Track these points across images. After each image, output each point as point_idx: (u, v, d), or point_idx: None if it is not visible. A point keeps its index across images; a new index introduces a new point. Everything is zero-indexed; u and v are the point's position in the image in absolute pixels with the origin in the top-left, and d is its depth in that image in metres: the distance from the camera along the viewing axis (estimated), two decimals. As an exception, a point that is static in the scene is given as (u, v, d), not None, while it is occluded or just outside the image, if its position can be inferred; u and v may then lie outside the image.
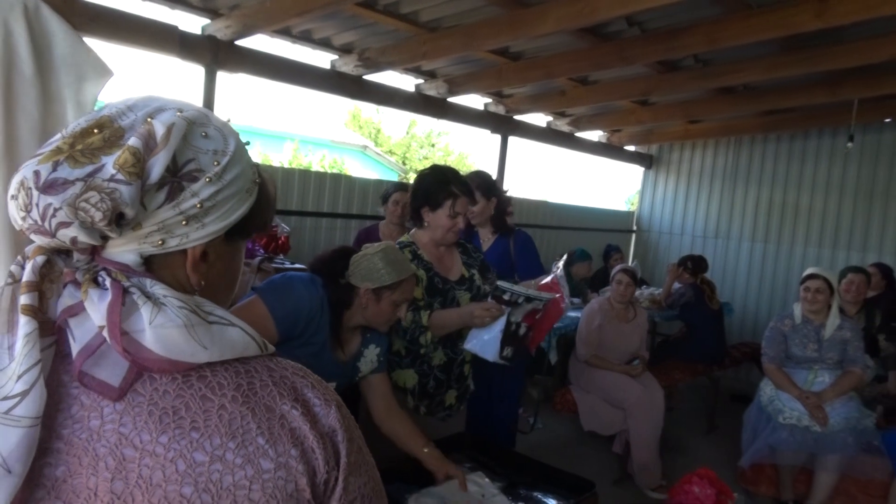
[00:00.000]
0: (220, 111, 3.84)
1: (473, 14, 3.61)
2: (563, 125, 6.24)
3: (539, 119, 6.16)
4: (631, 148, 7.43)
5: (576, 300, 5.36)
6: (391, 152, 19.57)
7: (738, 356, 5.64)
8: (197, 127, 0.71)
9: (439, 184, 2.43)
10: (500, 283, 2.36)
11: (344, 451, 0.71)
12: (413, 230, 2.55)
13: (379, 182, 5.00)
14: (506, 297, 2.31)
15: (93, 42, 2.82)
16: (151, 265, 0.71)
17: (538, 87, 5.19)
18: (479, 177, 3.22)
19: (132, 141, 0.66)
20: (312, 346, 2.00)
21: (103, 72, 2.66)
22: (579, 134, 6.55)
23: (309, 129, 16.05)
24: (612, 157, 7.32)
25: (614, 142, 7.10)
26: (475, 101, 5.49)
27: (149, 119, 0.68)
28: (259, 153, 12.81)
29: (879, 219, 6.14)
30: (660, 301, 5.35)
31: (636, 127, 6.67)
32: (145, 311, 0.66)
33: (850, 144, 5.06)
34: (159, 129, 0.67)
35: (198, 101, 3.68)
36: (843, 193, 6.34)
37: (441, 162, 19.84)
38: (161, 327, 0.65)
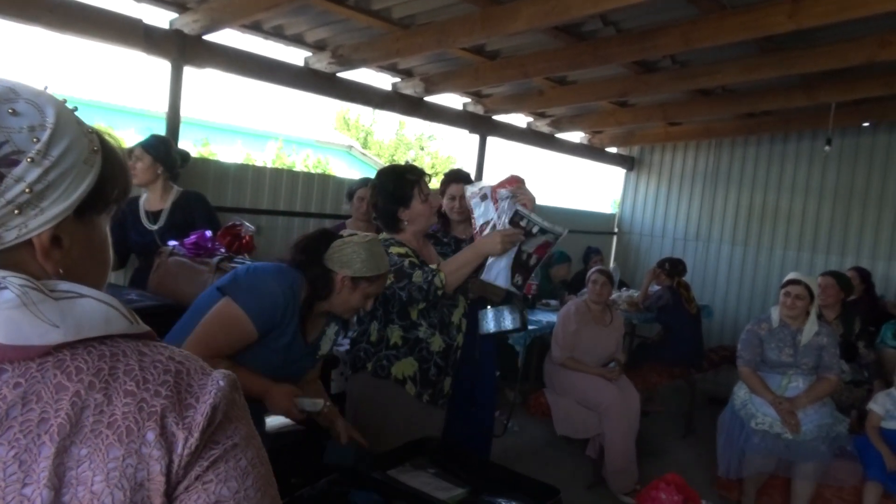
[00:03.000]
0: (191, 106, 3.78)
1: (446, 11, 3.56)
2: (543, 126, 6.21)
3: (519, 120, 6.13)
4: (613, 150, 7.42)
5: (553, 302, 5.32)
6: (380, 155, 19.51)
7: (717, 359, 5.62)
8: (2, 104, 0.63)
9: (397, 180, 2.43)
10: (519, 208, 2.40)
11: (217, 421, 0.65)
12: (397, 235, 2.50)
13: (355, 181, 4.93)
14: (522, 223, 2.39)
15: (51, 35, 2.75)
16: None
17: (516, 86, 5.16)
18: (463, 172, 3.26)
19: None
20: (286, 335, 1.98)
21: None
22: (560, 135, 6.53)
23: (294, 129, 15.95)
24: (593, 159, 7.30)
25: (595, 143, 7.08)
26: (454, 100, 5.44)
27: None
28: (242, 152, 12.69)
29: (857, 222, 6.16)
30: (637, 303, 5.32)
31: (617, 129, 6.66)
32: None
33: (827, 148, 5.07)
34: None
35: (163, 96, 3.61)
36: (821, 197, 6.35)
37: (429, 165, 19.86)
38: None
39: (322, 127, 18.36)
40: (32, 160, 0.63)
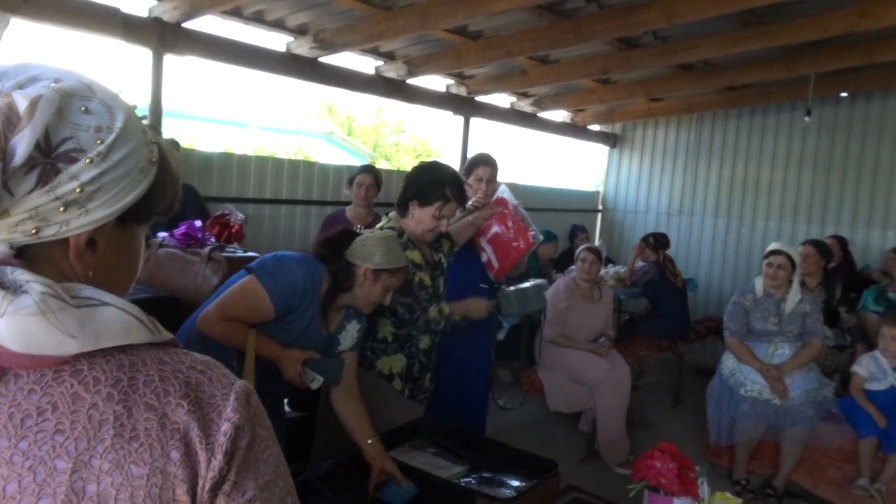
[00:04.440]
0: (170, 96, 3.73)
1: (429, -9, 3.54)
2: (525, 106, 6.21)
3: (502, 100, 6.12)
4: (595, 127, 7.44)
5: (541, 281, 5.36)
6: (365, 142, 19.38)
7: (703, 331, 5.71)
8: (76, 100, 0.62)
9: (435, 182, 2.43)
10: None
11: (242, 443, 0.64)
12: (396, 217, 2.53)
13: (340, 168, 4.91)
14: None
15: (28, 25, 2.70)
16: (26, 256, 0.63)
17: (499, 67, 5.15)
18: (490, 155, 3.22)
19: None
20: (303, 320, 2.07)
21: None
22: (543, 114, 6.53)
23: (274, 116, 15.78)
24: (576, 137, 7.32)
25: (578, 122, 7.09)
26: (437, 82, 5.42)
27: (16, 91, 0.60)
28: (221, 140, 12.56)
29: (837, 191, 6.25)
30: (624, 279, 5.38)
31: (599, 106, 6.67)
32: None
33: (807, 118, 5.13)
34: (21, 102, 0.59)
35: (145, 85, 3.57)
36: (801, 167, 6.43)
37: (409, 147, 19.76)
38: (13, 316, 0.58)
39: (302, 113, 18.19)
40: (91, 161, 0.62)
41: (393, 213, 2.56)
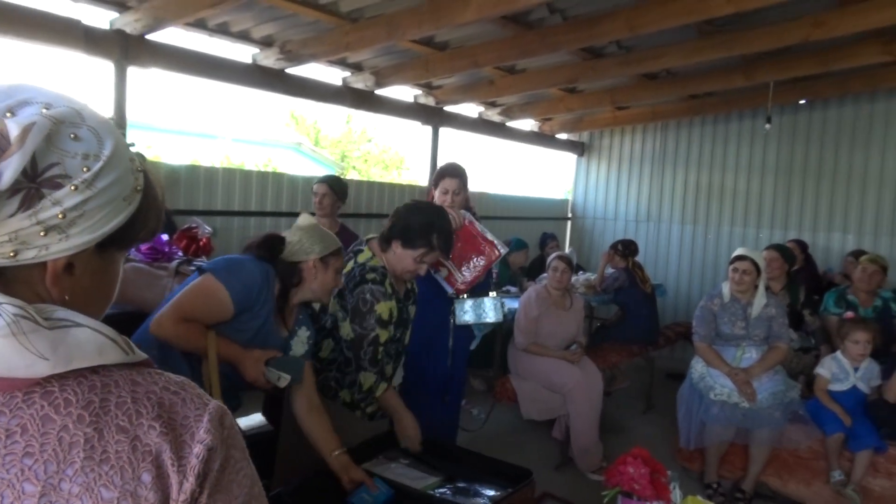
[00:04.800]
0: (134, 109, 3.68)
1: (394, 3, 3.55)
2: (494, 115, 6.26)
3: (470, 110, 6.16)
4: (563, 136, 7.52)
5: (513, 289, 5.39)
6: (331, 151, 19.31)
7: (672, 336, 5.79)
8: (66, 127, 0.63)
9: (422, 227, 2.37)
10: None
11: (214, 465, 0.64)
12: (376, 248, 2.46)
13: (309, 179, 4.89)
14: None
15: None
16: (3, 278, 0.63)
17: (467, 77, 5.18)
18: (459, 166, 3.18)
19: None
20: (258, 318, 2.05)
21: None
22: (511, 123, 6.59)
23: (241, 128, 15.64)
24: (544, 146, 7.40)
25: (546, 130, 7.17)
26: (405, 93, 5.44)
27: (8, 114, 0.60)
28: (188, 153, 12.39)
29: (798, 196, 6.41)
30: (595, 286, 5.43)
31: (566, 115, 6.75)
32: None
33: (767, 126, 5.26)
34: (13, 128, 0.59)
35: (108, 98, 3.51)
36: (764, 173, 6.59)
37: (378, 157, 19.73)
38: None
39: (270, 125, 18.06)
40: (76, 187, 0.62)
41: (372, 242, 2.49)
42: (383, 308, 2.34)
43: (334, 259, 2.16)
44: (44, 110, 0.62)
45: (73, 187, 0.62)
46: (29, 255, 0.62)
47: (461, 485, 2.32)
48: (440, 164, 5.78)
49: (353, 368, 2.39)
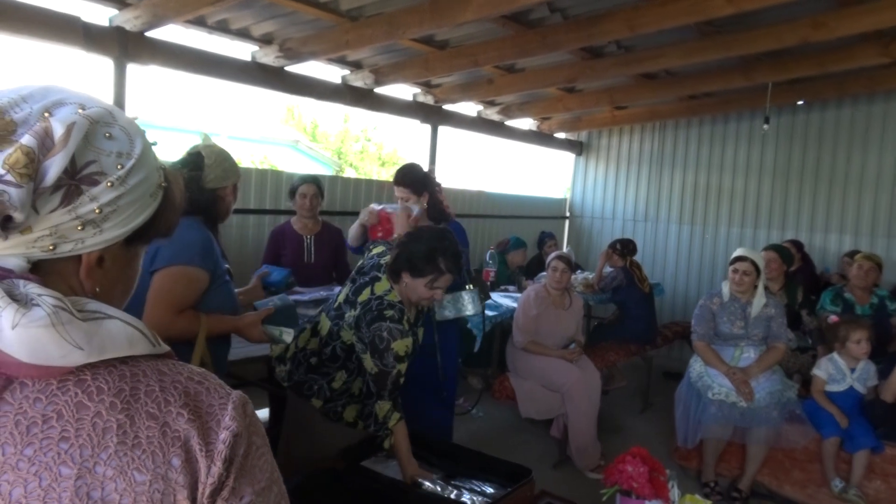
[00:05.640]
0: (133, 106, 3.67)
1: (394, 2, 3.55)
2: (493, 114, 6.26)
3: (469, 109, 6.16)
4: (561, 135, 7.53)
5: (511, 288, 5.40)
6: (327, 147, 19.28)
7: (670, 335, 5.81)
8: (101, 126, 0.67)
9: (428, 255, 2.34)
10: None
11: (240, 451, 0.67)
12: (393, 285, 2.44)
13: (305, 178, 4.88)
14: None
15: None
16: (40, 270, 0.66)
17: (466, 75, 5.18)
18: (409, 174, 3.20)
19: (26, 139, 0.61)
20: (224, 281, 2.10)
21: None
22: (509, 122, 6.59)
23: (239, 125, 15.60)
24: (543, 145, 7.40)
25: (544, 129, 7.17)
26: (404, 91, 5.43)
27: (46, 115, 0.63)
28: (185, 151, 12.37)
29: (795, 197, 6.43)
30: (593, 285, 5.44)
31: (565, 114, 6.76)
32: (7, 314, 0.60)
33: (766, 126, 5.27)
34: (58, 128, 0.62)
35: (107, 96, 3.51)
36: (761, 174, 6.60)
37: (374, 155, 19.70)
38: (24, 328, 0.60)
39: (268, 122, 18.03)
40: (112, 184, 0.66)
41: (384, 284, 2.47)
42: (400, 346, 2.32)
43: (238, 183, 2.24)
44: (80, 110, 0.65)
45: (108, 184, 0.66)
46: (66, 249, 0.66)
47: (460, 482, 2.33)
48: (438, 163, 5.81)
49: (373, 400, 2.37)
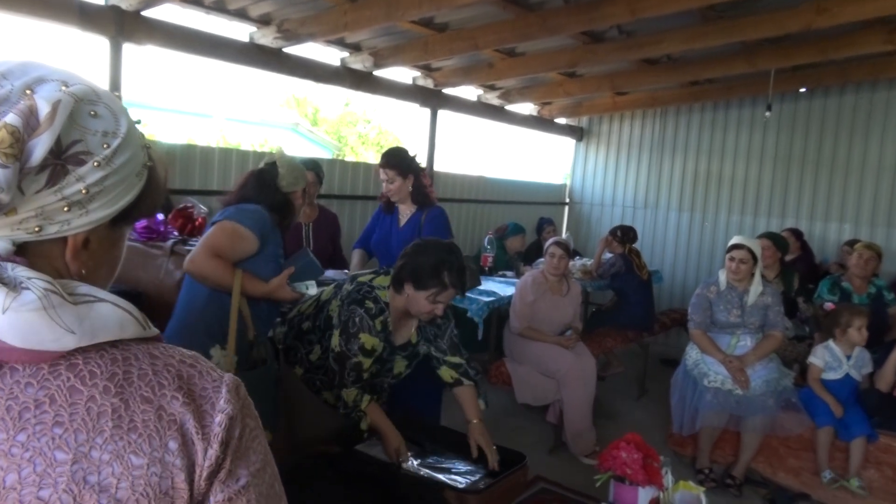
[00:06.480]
0: (129, 87, 3.63)
1: (394, -17, 3.51)
2: (493, 98, 6.21)
3: (469, 93, 6.11)
4: (562, 120, 7.48)
5: (509, 273, 5.39)
6: (327, 131, 19.19)
7: (668, 322, 5.81)
8: (85, 105, 0.65)
9: (433, 268, 2.33)
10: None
11: (235, 433, 0.67)
12: (395, 295, 2.44)
13: (305, 161, 4.85)
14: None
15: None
16: (25, 253, 0.65)
17: (466, 59, 5.13)
18: (396, 156, 3.23)
19: (10, 118, 0.59)
20: (275, 245, 2.28)
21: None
22: (510, 107, 6.54)
23: (238, 107, 15.53)
24: (543, 130, 7.36)
25: (545, 115, 7.13)
26: (403, 74, 5.39)
27: (28, 92, 0.62)
28: (184, 132, 12.30)
29: (796, 185, 6.41)
30: (591, 271, 5.43)
31: (565, 99, 6.71)
32: None
33: (768, 113, 5.24)
34: (43, 106, 0.61)
35: (104, 76, 3.47)
36: (762, 161, 6.57)
37: (374, 139, 19.62)
38: (15, 312, 0.59)
39: (267, 105, 17.94)
40: (98, 164, 0.65)
41: (382, 279, 2.47)
42: (367, 340, 2.34)
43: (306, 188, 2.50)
44: (63, 87, 0.63)
45: (95, 164, 0.64)
46: (52, 231, 0.64)
47: (453, 467, 2.34)
48: (438, 147, 5.78)
49: (336, 383, 2.38)
